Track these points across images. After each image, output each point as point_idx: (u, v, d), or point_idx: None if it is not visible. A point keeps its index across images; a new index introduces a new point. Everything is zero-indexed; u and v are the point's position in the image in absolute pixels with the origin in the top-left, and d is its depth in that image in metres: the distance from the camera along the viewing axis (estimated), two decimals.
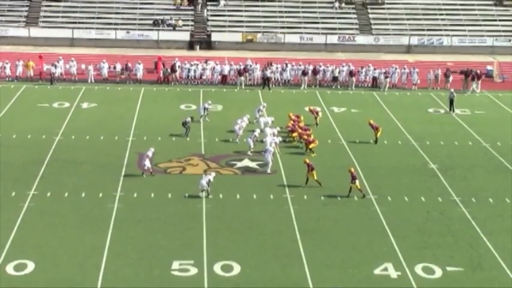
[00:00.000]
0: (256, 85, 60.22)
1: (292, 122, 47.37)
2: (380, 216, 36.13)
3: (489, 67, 66.27)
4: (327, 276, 30.37)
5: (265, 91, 58.46)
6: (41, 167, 40.81)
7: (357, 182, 37.94)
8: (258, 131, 45.51)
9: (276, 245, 32.83)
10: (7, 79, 59.39)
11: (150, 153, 40.62)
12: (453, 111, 53.72)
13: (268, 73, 59.51)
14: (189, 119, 47.51)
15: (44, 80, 59.27)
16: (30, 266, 30.36)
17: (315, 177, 38.85)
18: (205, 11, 75.49)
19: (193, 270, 30.40)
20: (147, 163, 39.93)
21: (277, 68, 61.16)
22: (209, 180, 37.48)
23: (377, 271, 30.86)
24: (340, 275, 30.50)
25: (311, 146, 44.05)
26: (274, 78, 60.57)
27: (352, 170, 38.61)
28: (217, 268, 30.62)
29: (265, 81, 59.45)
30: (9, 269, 30.12)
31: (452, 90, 55.46)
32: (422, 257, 32.09)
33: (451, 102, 54.00)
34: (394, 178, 41.26)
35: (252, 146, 43.98)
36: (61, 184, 38.69)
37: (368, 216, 36.17)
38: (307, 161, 39.60)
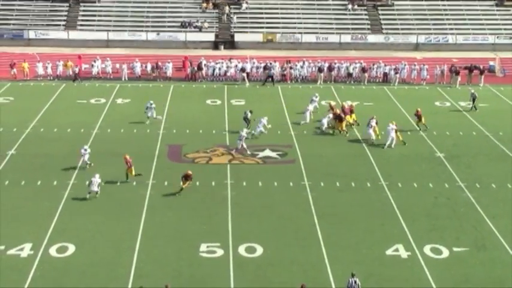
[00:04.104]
0: (276, 81, 60.02)
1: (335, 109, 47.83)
2: (391, 201, 35.93)
3: (491, 63, 65.66)
4: (342, 256, 30.26)
5: (285, 86, 58.23)
6: (79, 158, 40.92)
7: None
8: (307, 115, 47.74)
9: (295, 228, 32.77)
10: (49, 78, 59.70)
11: (83, 151, 39.49)
12: (475, 109, 52.28)
13: (271, 72, 59.21)
14: (248, 112, 46.92)
15: (80, 78, 59.30)
16: (71, 248, 30.52)
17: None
18: (229, 13, 75.28)
19: (220, 252, 30.42)
20: (85, 158, 39.44)
21: (295, 64, 61.00)
22: (99, 183, 35.75)
23: (389, 252, 30.71)
24: (354, 255, 30.38)
25: (342, 126, 45.36)
26: (293, 74, 60.39)
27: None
28: (241, 250, 30.60)
29: (268, 77, 59.23)
30: (52, 251, 30.31)
31: (473, 90, 54.32)
32: (430, 238, 31.91)
33: (473, 100, 52.52)
34: (404, 166, 40.98)
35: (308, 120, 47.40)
36: (98, 174, 38.73)
37: (380, 201, 35.98)
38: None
